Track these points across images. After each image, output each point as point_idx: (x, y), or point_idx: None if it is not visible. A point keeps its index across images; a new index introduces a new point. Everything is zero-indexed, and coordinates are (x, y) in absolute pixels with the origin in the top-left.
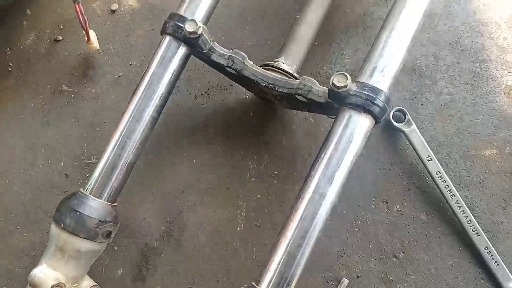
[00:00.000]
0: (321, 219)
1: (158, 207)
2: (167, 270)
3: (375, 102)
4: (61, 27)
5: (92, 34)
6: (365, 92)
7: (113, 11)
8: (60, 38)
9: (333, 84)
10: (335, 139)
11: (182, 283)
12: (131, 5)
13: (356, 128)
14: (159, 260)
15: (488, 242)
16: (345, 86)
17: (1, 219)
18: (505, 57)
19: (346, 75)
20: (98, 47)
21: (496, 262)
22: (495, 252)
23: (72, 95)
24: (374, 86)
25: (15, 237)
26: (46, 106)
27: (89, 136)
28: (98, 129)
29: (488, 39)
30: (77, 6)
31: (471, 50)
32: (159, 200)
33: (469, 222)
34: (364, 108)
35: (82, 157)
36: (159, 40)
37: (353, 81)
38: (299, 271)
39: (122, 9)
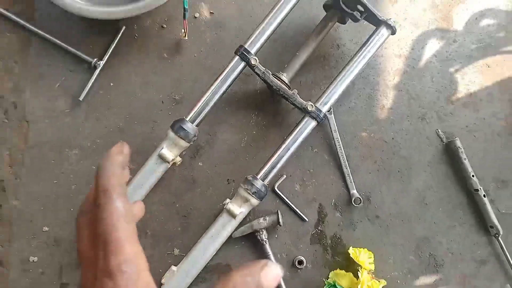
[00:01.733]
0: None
1: (205, 128)
2: (205, 158)
3: (320, 116)
4: (166, 19)
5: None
6: (318, 113)
7: (195, 17)
8: (165, 26)
9: (308, 108)
10: (296, 129)
11: (210, 166)
12: (206, 16)
13: (309, 125)
14: (203, 151)
15: (350, 172)
16: (312, 109)
17: (120, 123)
18: (386, 90)
19: (313, 107)
20: (187, 38)
21: (351, 181)
22: (351, 174)
23: (169, 60)
24: (321, 110)
25: (125, 134)
26: (154, 63)
27: (176, 84)
28: (181, 82)
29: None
30: (185, 21)
31: (373, 86)
32: (205, 124)
33: (342, 153)
34: (315, 119)
35: (171, 94)
36: (218, 41)
37: (314, 104)
38: (279, 167)
39: (201, 17)
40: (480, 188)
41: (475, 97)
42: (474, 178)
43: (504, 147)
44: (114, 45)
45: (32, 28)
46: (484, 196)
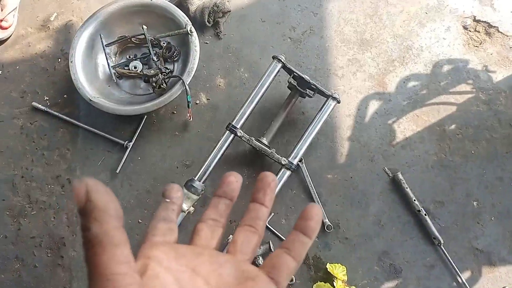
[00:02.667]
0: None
1: (210, 183)
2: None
3: (293, 167)
4: (175, 107)
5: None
6: (291, 165)
7: (196, 103)
8: (175, 112)
9: (282, 162)
10: (276, 178)
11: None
12: (204, 102)
13: (285, 174)
14: (209, 201)
15: (321, 205)
16: (285, 162)
17: (147, 186)
18: (342, 142)
19: (286, 161)
20: (191, 119)
21: (323, 213)
22: (322, 207)
23: (180, 137)
24: (293, 162)
25: (151, 194)
26: (169, 139)
27: (186, 153)
28: (190, 151)
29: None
30: (189, 109)
31: (332, 139)
32: (209, 180)
33: (314, 192)
34: (289, 169)
35: (183, 161)
36: (214, 119)
37: (287, 158)
38: None
39: (201, 103)
40: (421, 209)
41: (410, 140)
42: (416, 202)
43: (436, 175)
44: (139, 130)
45: (79, 123)
46: (425, 214)
